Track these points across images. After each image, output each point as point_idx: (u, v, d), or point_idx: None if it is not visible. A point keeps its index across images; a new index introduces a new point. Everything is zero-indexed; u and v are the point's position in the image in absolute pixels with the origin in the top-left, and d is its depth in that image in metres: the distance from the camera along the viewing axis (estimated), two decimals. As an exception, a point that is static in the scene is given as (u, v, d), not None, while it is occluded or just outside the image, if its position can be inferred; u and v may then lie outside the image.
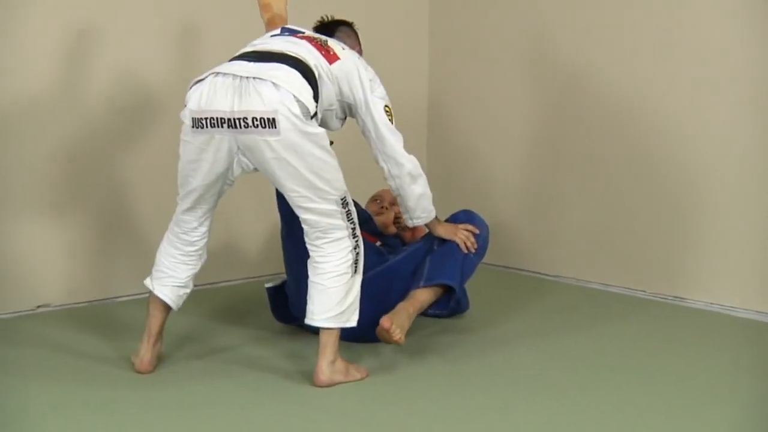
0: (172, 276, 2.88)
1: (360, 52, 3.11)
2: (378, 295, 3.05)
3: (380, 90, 2.92)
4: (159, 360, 2.94)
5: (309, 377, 2.79)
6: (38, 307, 3.68)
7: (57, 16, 3.61)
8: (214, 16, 4.07)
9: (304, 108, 2.59)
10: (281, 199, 3.00)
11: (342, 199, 2.72)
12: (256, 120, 2.56)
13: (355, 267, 2.76)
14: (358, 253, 2.75)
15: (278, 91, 2.56)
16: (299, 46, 2.79)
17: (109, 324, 3.48)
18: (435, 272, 3.08)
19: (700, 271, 3.86)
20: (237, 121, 2.57)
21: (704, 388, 2.77)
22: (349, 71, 2.86)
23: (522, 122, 4.54)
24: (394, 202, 3.57)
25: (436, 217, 3.11)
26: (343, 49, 2.92)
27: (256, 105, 2.56)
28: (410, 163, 2.92)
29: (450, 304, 3.19)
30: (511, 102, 4.57)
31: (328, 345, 2.74)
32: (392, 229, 3.62)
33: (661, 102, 3.93)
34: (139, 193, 3.90)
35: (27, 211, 3.63)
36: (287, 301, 3.30)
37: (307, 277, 2.77)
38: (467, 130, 4.83)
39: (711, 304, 3.82)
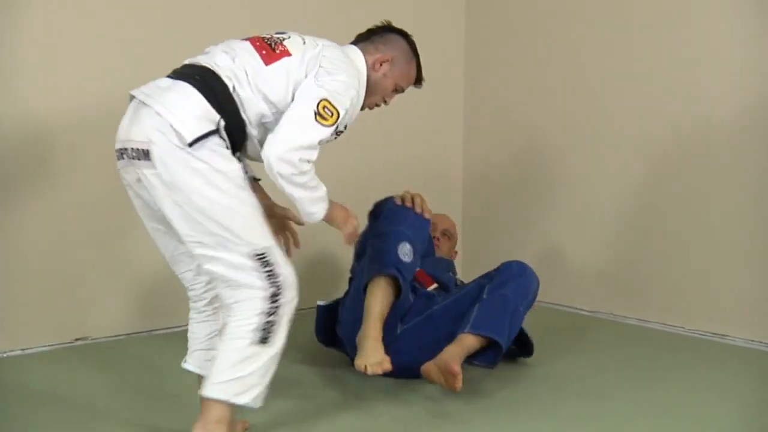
0: (195, 339, 2.59)
1: (389, 60, 2.71)
2: (421, 339, 3.04)
3: (330, 83, 2.44)
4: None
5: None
6: (76, 339, 3.73)
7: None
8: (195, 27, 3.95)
9: (182, 137, 2.25)
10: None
11: (259, 255, 2.32)
12: (134, 151, 2.32)
13: (263, 336, 2.32)
14: (271, 322, 2.32)
15: (157, 118, 2.28)
16: (233, 51, 2.46)
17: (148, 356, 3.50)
18: (483, 322, 3.00)
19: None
20: (126, 152, 2.35)
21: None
22: (300, 63, 2.47)
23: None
24: (445, 232, 3.64)
25: (331, 204, 2.55)
26: (304, 43, 2.52)
27: (134, 134, 2.32)
28: (287, 166, 2.32)
29: (496, 359, 3.05)
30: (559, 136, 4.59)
31: (209, 416, 2.32)
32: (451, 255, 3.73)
33: (707, 134, 3.93)
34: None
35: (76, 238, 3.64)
36: (334, 323, 3.28)
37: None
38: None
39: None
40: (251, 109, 2.41)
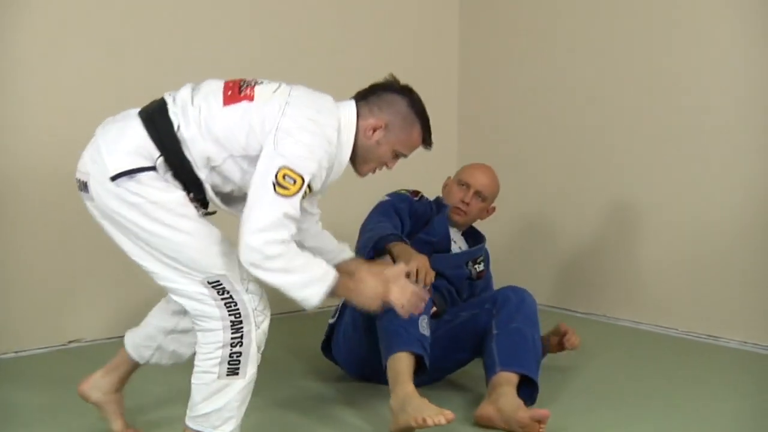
0: (151, 320, 2.61)
1: (382, 127, 2.43)
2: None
3: (290, 147, 2.22)
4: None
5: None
6: (70, 342, 3.73)
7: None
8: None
9: (107, 171, 2.21)
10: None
11: (213, 283, 2.22)
12: (78, 181, 2.32)
13: (231, 369, 2.26)
14: (237, 353, 2.24)
15: (95, 150, 2.26)
16: (198, 88, 2.36)
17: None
18: (511, 359, 2.92)
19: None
20: (78, 183, 2.34)
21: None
22: (259, 111, 2.28)
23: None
24: (479, 194, 3.34)
25: (341, 284, 2.29)
26: (275, 92, 2.34)
27: (80, 165, 2.31)
28: (253, 253, 2.14)
29: (534, 396, 2.94)
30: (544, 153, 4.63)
31: None
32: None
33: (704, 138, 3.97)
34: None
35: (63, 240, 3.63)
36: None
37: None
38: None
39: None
40: (195, 149, 2.27)
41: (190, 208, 2.27)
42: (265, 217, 2.15)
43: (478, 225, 3.50)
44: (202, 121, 2.27)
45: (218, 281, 2.22)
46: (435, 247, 3.24)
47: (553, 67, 4.60)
